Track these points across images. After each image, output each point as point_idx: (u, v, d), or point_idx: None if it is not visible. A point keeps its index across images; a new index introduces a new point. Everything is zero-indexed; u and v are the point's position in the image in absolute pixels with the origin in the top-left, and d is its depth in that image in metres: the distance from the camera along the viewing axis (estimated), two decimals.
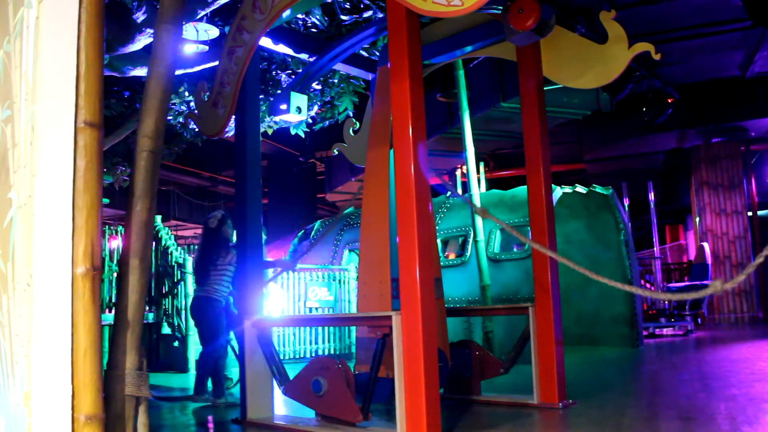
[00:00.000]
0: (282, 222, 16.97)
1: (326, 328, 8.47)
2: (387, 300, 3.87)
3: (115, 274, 8.08)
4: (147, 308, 7.15)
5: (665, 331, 10.70)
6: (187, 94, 6.96)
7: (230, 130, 5.68)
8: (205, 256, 5.14)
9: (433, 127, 11.10)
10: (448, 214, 8.77)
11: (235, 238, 5.22)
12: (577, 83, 4.37)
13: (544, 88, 4.55)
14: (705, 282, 11.24)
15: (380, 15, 5.87)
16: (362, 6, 5.96)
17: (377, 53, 5.62)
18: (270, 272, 5.37)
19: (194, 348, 7.49)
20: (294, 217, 16.89)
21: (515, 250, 8.16)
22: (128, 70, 6.18)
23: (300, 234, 11.02)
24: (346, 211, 10.64)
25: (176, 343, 7.73)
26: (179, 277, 7.85)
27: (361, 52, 5.77)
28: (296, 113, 4.98)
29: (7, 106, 2.50)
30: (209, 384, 5.14)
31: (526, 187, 4.52)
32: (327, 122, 7.31)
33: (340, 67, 5.70)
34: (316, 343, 8.39)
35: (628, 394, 4.73)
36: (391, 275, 3.86)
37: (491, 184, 13.24)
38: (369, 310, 3.93)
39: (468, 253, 7.96)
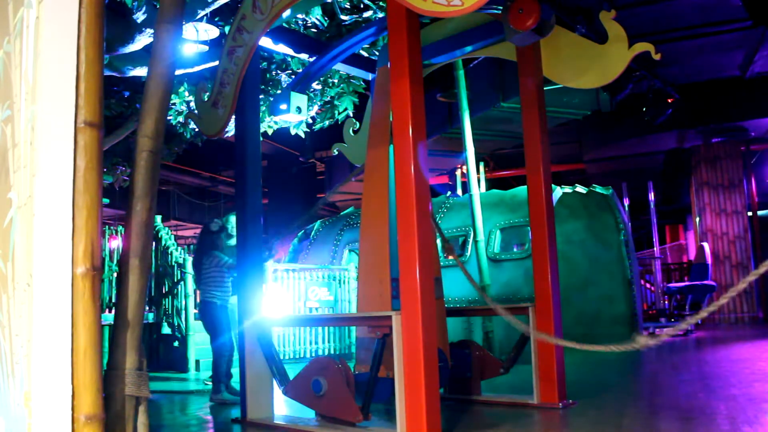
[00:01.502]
0: (282, 222, 16.95)
1: (326, 328, 8.47)
2: (387, 300, 3.86)
3: (115, 274, 8.08)
4: (147, 308, 7.16)
5: (665, 331, 10.67)
6: (187, 94, 6.96)
7: (230, 130, 5.68)
8: (195, 260, 5.46)
9: (433, 127, 11.10)
10: (448, 214, 8.76)
11: (233, 242, 5.30)
12: (577, 83, 4.36)
13: (544, 88, 4.55)
14: (705, 282, 11.23)
15: (380, 15, 5.87)
16: (362, 6, 5.96)
17: (377, 53, 5.62)
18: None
19: (194, 348, 7.52)
20: (294, 217, 16.88)
21: (515, 250, 8.16)
22: (128, 70, 6.19)
23: (300, 234, 11.01)
24: (345, 211, 10.64)
25: (176, 343, 7.74)
26: (179, 277, 7.86)
27: (361, 52, 5.77)
28: (296, 113, 4.97)
29: (7, 106, 2.50)
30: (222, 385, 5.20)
31: (526, 187, 4.52)
32: (327, 122, 7.31)
33: (340, 67, 5.69)
34: (316, 343, 8.39)
35: (628, 394, 4.73)
36: (391, 275, 3.86)
37: (491, 184, 13.23)
38: (369, 310, 3.93)
39: (468, 253, 7.96)
